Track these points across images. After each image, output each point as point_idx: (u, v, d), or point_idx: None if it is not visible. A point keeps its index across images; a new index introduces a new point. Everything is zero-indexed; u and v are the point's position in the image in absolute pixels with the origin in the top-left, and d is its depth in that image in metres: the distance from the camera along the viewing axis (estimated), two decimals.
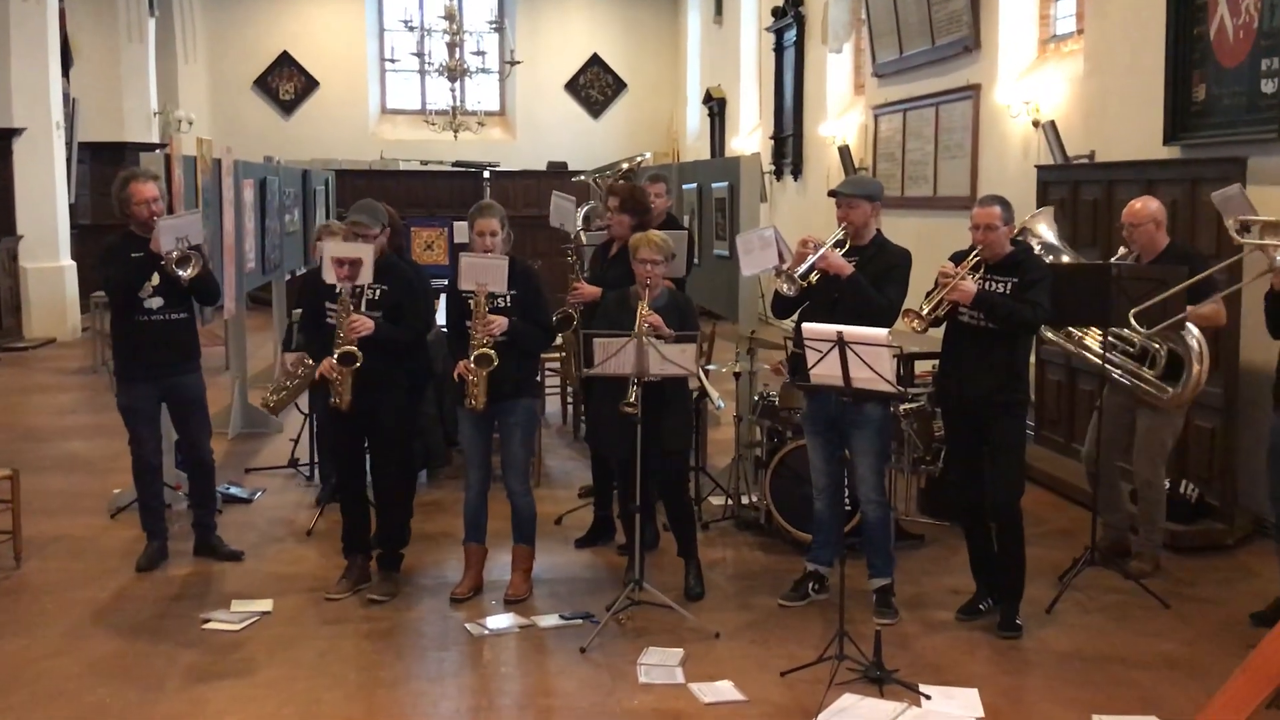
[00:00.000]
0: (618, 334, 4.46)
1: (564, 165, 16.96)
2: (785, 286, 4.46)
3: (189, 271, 4.93)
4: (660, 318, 4.54)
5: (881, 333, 4.01)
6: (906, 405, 5.51)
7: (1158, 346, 4.97)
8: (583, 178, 7.42)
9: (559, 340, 6.30)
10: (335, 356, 4.61)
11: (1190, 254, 5.04)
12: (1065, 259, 5.25)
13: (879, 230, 4.64)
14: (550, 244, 14.74)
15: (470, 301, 4.60)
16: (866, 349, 3.99)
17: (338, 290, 4.64)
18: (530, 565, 4.92)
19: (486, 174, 16.05)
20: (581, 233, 6.60)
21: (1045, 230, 5.35)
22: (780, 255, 4.67)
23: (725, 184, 6.84)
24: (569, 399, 8.21)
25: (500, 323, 4.59)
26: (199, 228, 5.06)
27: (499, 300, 4.66)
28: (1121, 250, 5.11)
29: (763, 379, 6.20)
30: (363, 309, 4.69)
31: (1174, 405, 4.94)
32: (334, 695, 3.92)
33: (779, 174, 13.99)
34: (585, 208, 7.05)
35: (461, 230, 8.86)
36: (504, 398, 4.68)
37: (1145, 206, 5.02)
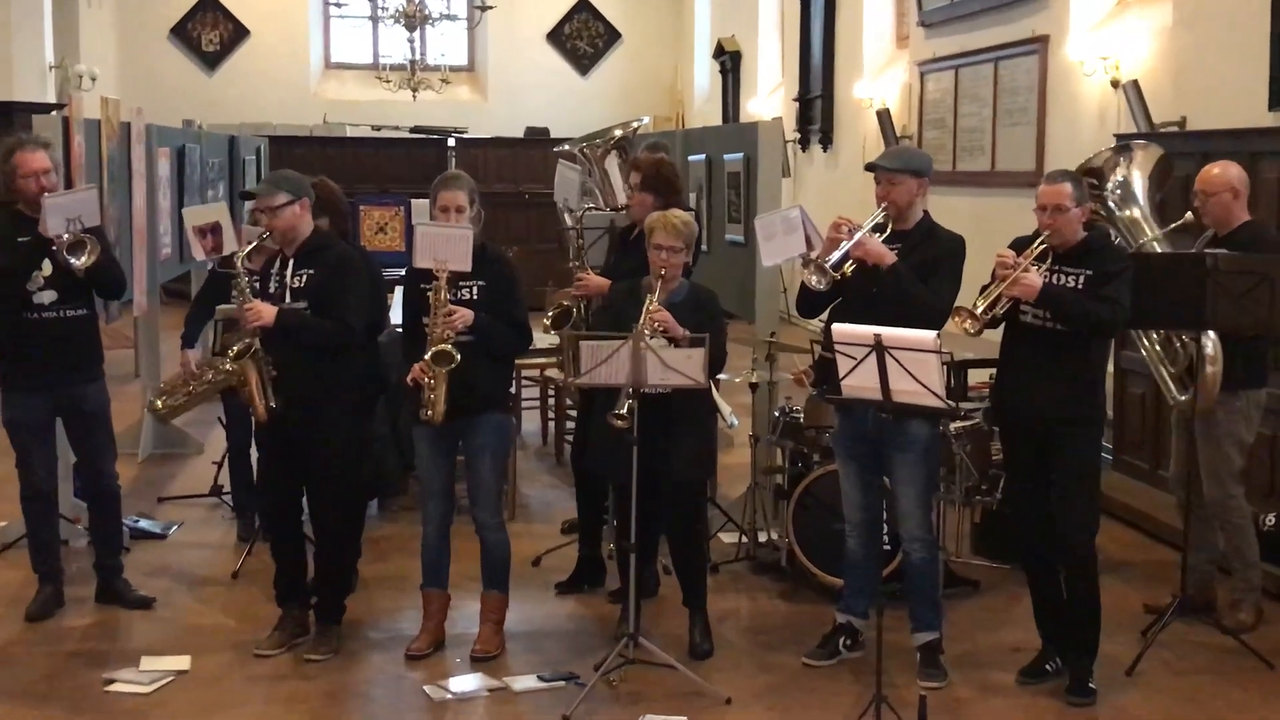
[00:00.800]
0: (610, 335, 4.46)
1: (545, 132, 16.96)
2: (813, 279, 4.48)
3: (83, 260, 4.92)
4: (672, 316, 4.55)
5: (929, 335, 4.01)
6: (958, 423, 5.51)
7: (1180, 345, 5.01)
8: (567, 146, 7.41)
9: (556, 340, 6.31)
10: (232, 352, 4.64)
11: (1267, 236, 5.06)
12: (1135, 214, 5.23)
13: (926, 212, 4.65)
14: (529, 227, 14.78)
15: (429, 293, 4.60)
16: (910, 355, 3.99)
17: (234, 279, 4.68)
18: (502, 615, 4.92)
19: (452, 142, 16.05)
20: (570, 213, 6.59)
21: (1137, 175, 5.31)
22: (807, 241, 4.67)
23: (740, 155, 6.85)
24: (550, 414, 8.21)
25: (464, 315, 4.59)
26: (94, 207, 5.03)
27: (463, 291, 4.67)
28: (1188, 216, 5.13)
29: (784, 391, 6.20)
30: (287, 299, 4.71)
31: (1188, 412, 4.96)
32: None
33: (805, 143, 13.99)
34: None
35: (421, 210, 8.84)
36: (470, 412, 4.67)
37: (1224, 172, 5.05)
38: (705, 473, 5.04)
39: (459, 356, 4.52)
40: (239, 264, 4.76)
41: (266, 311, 4.64)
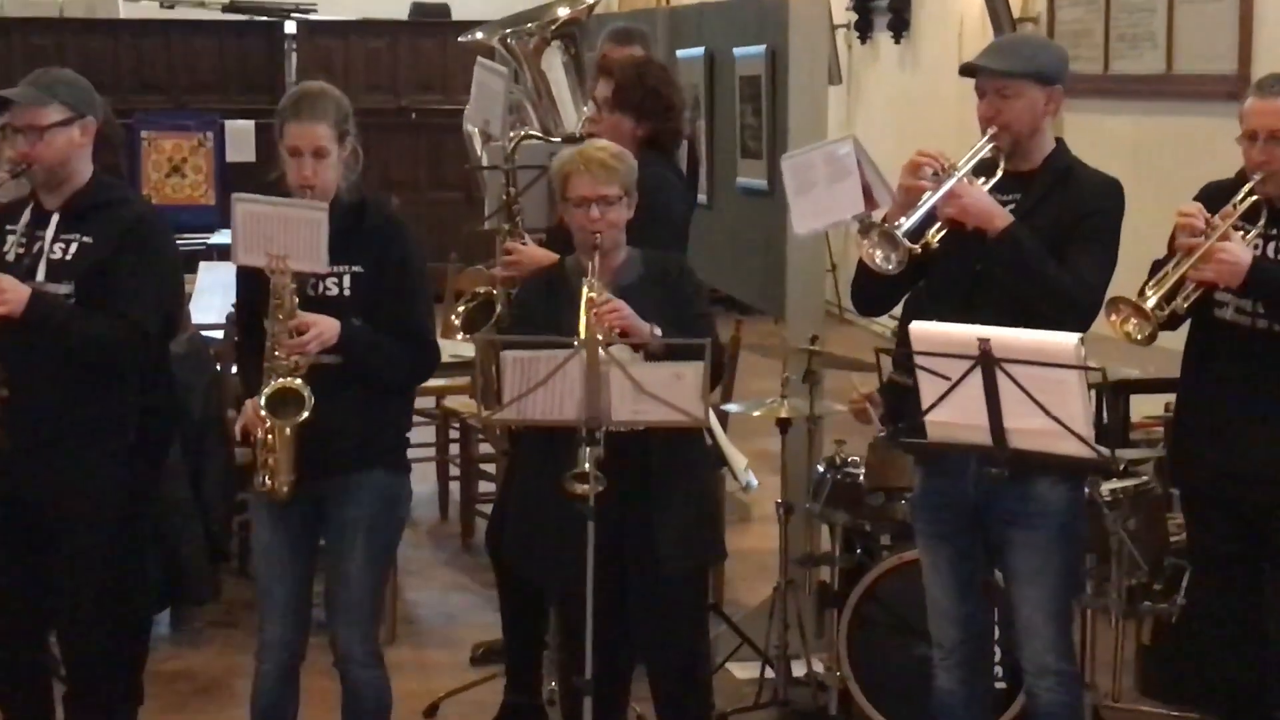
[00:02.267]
0: (551, 342, 4.46)
1: (442, 10, 16.93)
2: (878, 255, 4.44)
3: None
4: (628, 309, 4.55)
5: (1066, 341, 4.02)
6: (1114, 484, 5.52)
7: None
8: (479, 35, 7.40)
9: (466, 350, 6.29)
10: None
11: None
12: None
13: (1060, 142, 4.66)
14: (417, 165, 14.71)
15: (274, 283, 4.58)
16: (1037, 373, 4.00)
17: None
18: None
19: (290, 27, 16.00)
20: (491, 142, 6.57)
21: None
22: (866, 194, 4.66)
23: (760, 50, 6.86)
24: (453, 468, 8.19)
25: (321, 329, 4.55)
26: None
27: (327, 283, 4.65)
28: None
29: (834, 431, 6.20)
30: (40, 277, 4.67)
31: None
32: None
33: (865, 31, 14.06)
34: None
35: (240, 136, 8.81)
36: (335, 470, 4.68)
37: None
38: (705, 562, 5.03)
39: (311, 400, 4.50)
40: None
41: (15, 292, 4.58)
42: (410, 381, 4.95)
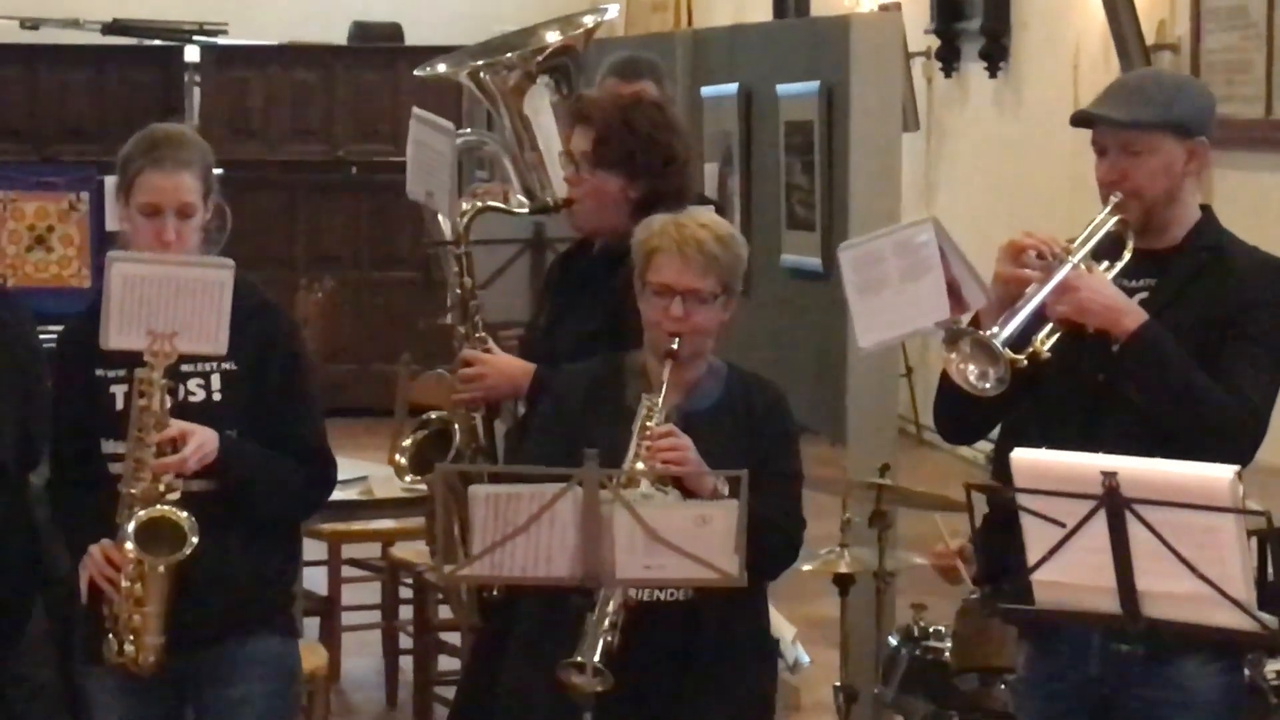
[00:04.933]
0: (535, 474, 4.47)
1: (393, 32, 17.02)
2: (971, 371, 4.43)
3: None
4: (690, 448, 4.58)
5: (1221, 476, 4.01)
6: None
7: None
8: (442, 68, 7.46)
9: (415, 486, 6.27)
10: None
11: None
12: None
13: (1207, 210, 4.69)
14: (358, 235, 14.73)
15: (117, 391, 4.64)
16: (1181, 519, 3.99)
17: None
18: None
19: (193, 54, 16.07)
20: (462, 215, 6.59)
21: None
22: (953, 291, 4.67)
23: (813, 87, 6.90)
24: (403, 638, 8.18)
25: (202, 440, 4.59)
26: None
27: (190, 384, 4.70)
28: None
29: (911, 590, 6.20)
30: None
31: None
32: None
33: (950, 62, 14.21)
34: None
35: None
36: (213, 637, 4.70)
37: None
38: None
39: (195, 531, 4.52)
40: None
41: None
42: (306, 508, 5.03)
